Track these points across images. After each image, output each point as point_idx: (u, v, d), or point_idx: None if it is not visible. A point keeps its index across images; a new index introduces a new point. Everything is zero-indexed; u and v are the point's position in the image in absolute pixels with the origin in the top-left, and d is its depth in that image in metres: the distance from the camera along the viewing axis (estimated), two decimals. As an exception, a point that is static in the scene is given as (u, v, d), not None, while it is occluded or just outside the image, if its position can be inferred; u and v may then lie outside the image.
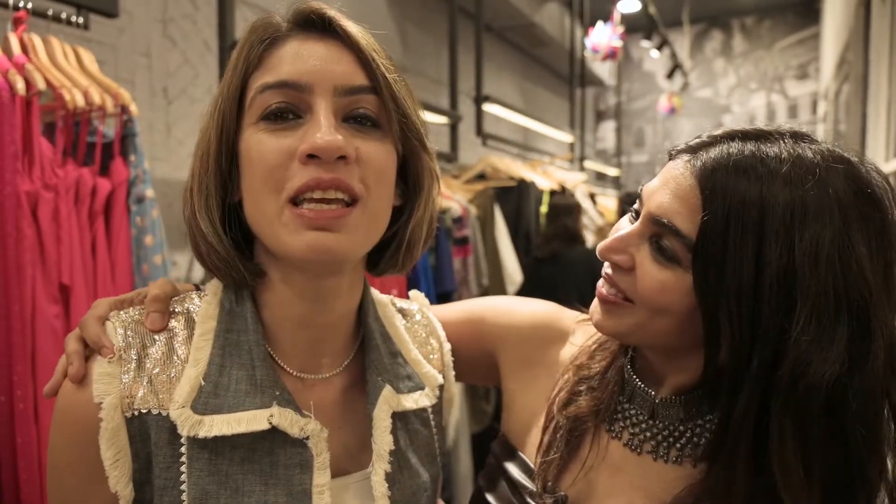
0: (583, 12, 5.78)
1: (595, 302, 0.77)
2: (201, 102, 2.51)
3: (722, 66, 8.02)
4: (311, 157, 0.63)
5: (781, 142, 0.68)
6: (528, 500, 0.82)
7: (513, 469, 0.87)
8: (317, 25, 0.68)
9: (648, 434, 0.77)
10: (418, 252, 0.76)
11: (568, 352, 0.91)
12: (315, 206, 0.63)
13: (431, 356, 0.87)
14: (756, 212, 0.64)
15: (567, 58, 5.79)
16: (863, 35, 4.10)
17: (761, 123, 0.73)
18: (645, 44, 6.42)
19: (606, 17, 5.37)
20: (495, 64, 5.15)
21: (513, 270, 3.39)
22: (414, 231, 0.74)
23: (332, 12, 0.68)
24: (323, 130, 0.62)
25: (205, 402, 0.65)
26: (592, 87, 7.96)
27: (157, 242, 1.57)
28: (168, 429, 0.65)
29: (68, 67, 1.53)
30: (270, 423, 0.66)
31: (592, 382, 0.82)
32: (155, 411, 0.65)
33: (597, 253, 0.75)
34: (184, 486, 0.64)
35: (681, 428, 0.76)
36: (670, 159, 0.74)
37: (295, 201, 0.64)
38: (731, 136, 0.70)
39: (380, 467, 0.72)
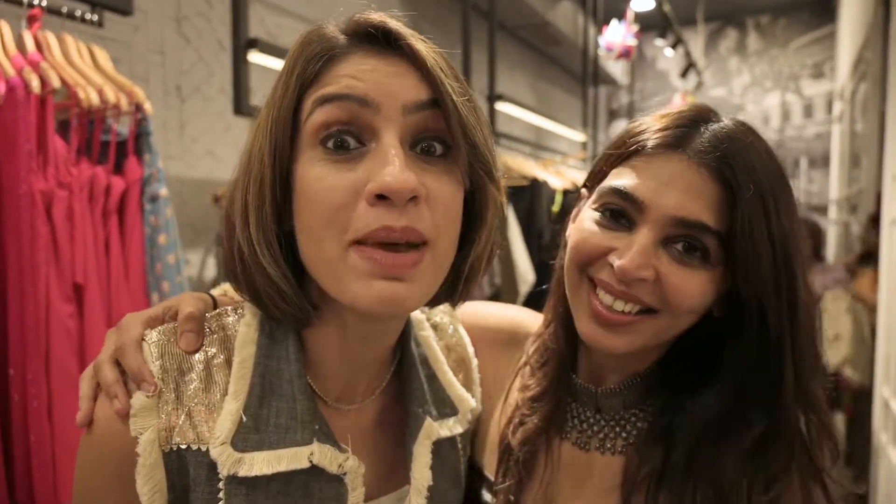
0: (596, 11, 5.74)
1: (594, 326, 0.72)
2: (215, 100, 2.51)
3: (736, 64, 7.94)
4: (381, 196, 0.57)
5: (723, 118, 0.73)
6: None
7: (480, 488, 0.86)
8: (379, 40, 0.61)
9: (596, 428, 0.79)
10: (475, 286, 0.70)
11: None
12: (385, 252, 0.58)
13: (459, 375, 0.85)
14: (763, 187, 0.67)
15: (580, 56, 5.75)
16: (881, 34, 4.04)
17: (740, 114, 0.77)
18: (659, 42, 6.36)
19: (620, 16, 5.33)
20: (508, 62, 5.12)
21: (525, 270, 3.37)
22: (473, 265, 0.68)
23: (395, 25, 0.61)
24: (394, 166, 0.56)
25: (245, 438, 0.63)
26: (605, 86, 7.91)
27: (170, 241, 1.57)
28: (207, 465, 0.63)
29: (83, 65, 1.53)
30: (311, 461, 0.64)
31: (542, 401, 0.82)
32: (194, 447, 0.63)
33: (619, 275, 0.68)
34: None
35: (625, 416, 0.77)
36: (624, 161, 0.73)
37: (359, 241, 0.59)
38: (695, 122, 0.71)
39: (417, 501, 0.71)
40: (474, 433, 0.89)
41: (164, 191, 1.57)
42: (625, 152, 0.73)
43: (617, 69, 7.49)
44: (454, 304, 0.72)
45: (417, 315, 0.83)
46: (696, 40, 7.48)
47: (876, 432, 2.57)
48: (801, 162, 7.58)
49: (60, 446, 1.32)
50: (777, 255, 0.67)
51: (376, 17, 0.62)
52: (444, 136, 0.61)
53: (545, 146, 4.97)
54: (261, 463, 0.62)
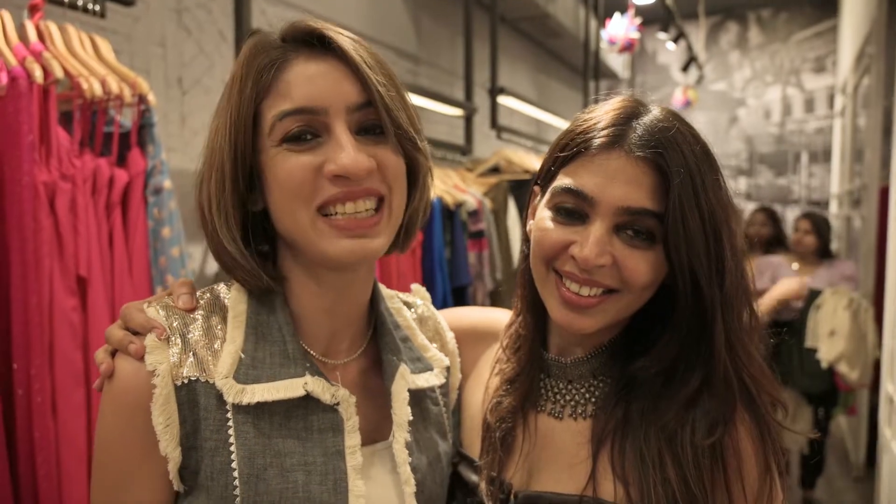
0: (597, 4, 5.71)
1: (565, 311, 0.81)
2: (216, 93, 2.48)
3: (737, 58, 7.92)
4: (338, 176, 0.70)
5: (651, 108, 0.81)
6: (478, 495, 0.88)
7: (465, 471, 0.91)
8: (315, 44, 0.73)
9: (568, 397, 0.87)
10: (415, 233, 0.86)
11: None
12: (348, 217, 0.72)
13: (435, 344, 0.94)
14: (692, 168, 0.76)
15: (581, 50, 5.73)
16: (885, 28, 4.03)
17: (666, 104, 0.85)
18: (661, 36, 6.34)
19: (621, 9, 5.31)
20: (509, 55, 5.10)
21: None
22: (412, 217, 0.83)
23: (329, 31, 0.73)
24: (347, 151, 0.70)
25: (245, 373, 0.72)
26: (606, 80, 7.88)
27: (174, 234, 1.55)
28: (215, 395, 0.72)
29: (85, 56, 1.51)
30: (305, 390, 0.73)
31: (517, 382, 0.90)
32: (203, 379, 0.72)
33: (582, 265, 0.78)
34: (233, 448, 0.71)
35: (594, 383, 0.86)
36: (570, 161, 0.81)
37: (324, 211, 0.72)
38: (628, 119, 0.79)
39: (400, 436, 0.79)
40: (457, 420, 0.96)
41: (167, 183, 1.56)
42: (570, 154, 0.81)
43: (617, 63, 7.46)
44: (399, 249, 0.85)
45: (388, 292, 0.93)
46: (696, 34, 7.45)
47: (881, 427, 2.57)
48: (802, 156, 7.57)
49: (65, 442, 1.31)
50: (706, 226, 0.76)
51: (312, 23, 0.74)
52: (379, 123, 0.74)
53: (546, 139, 4.95)
54: (261, 392, 0.72)
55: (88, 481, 1.34)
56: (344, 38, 0.73)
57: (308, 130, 0.71)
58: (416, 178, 0.81)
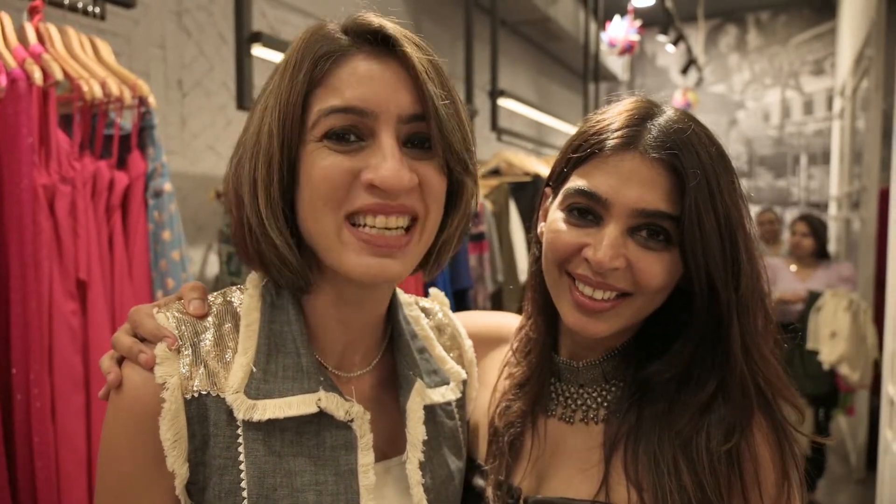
0: (597, 7, 5.72)
1: (579, 315, 0.79)
2: (216, 95, 2.48)
3: (736, 61, 7.93)
4: (375, 186, 0.66)
5: (664, 109, 0.79)
6: (485, 501, 0.87)
7: (471, 476, 0.90)
8: (379, 43, 0.69)
9: (580, 402, 0.86)
10: (445, 260, 0.80)
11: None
12: (377, 232, 0.67)
13: (452, 353, 0.91)
14: (707, 170, 0.75)
15: (581, 53, 5.73)
16: (884, 30, 4.03)
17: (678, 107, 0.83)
18: (661, 38, 6.34)
19: (621, 12, 5.30)
20: (509, 58, 5.10)
21: (526, 266, 3.35)
22: (445, 242, 0.78)
23: (393, 31, 0.69)
24: (390, 162, 0.65)
25: (256, 388, 0.69)
26: (606, 83, 7.88)
27: (175, 238, 1.55)
28: (226, 410, 0.69)
29: (85, 58, 1.50)
30: (319, 407, 0.70)
31: (527, 386, 0.89)
32: (213, 393, 0.69)
33: (595, 268, 0.76)
34: (242, 466, 0.68)
35: (606, 387, 0.85)
36: (584, 162, 0.79)
37: (352, 220, 0.68)
38: (642, 120, 0.77)
39: (414, 456, 0.76)
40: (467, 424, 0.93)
41: (168, 186, 1.55)
42: (583, 155, 0.80)
43: (617, 65, 7.47)
44: (426, 274, 0.80)
45: (406, 298, 0.90)
46: (696, 37, 7.45)
47: (882, 429, 2.56)
48: (801, 158, 7.57)
49: (64, 447, 1.30)
50: (722, 228, 0.75)
51: (375, 21, 0.70)
52: (429, 137, 0.70)
53: (546, 142, 4.95)
54: (272, 408, 0.69)
55: (88, 486, 1.33)
56: (409, 42, 0.69)
57: (353, 131, 0.67)
58: (458, 201, 0.76)
